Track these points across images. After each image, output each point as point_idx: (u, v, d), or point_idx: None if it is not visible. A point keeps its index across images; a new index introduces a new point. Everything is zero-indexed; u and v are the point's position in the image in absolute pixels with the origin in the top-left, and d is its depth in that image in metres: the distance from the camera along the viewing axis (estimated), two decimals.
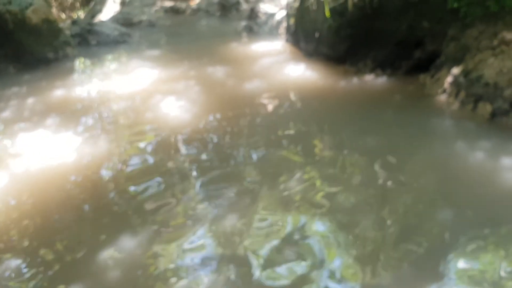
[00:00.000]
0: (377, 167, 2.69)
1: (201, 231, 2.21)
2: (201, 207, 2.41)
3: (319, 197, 2.42)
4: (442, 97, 3.58)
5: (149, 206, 2.46)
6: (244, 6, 6.94)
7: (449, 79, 3.60)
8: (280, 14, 5.88)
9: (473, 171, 2.61)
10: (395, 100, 3.67)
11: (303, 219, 2.26)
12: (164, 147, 3.11)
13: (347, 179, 2.62)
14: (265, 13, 6.31)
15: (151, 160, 2.96)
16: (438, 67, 3.83)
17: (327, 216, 2.26)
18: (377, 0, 3.95)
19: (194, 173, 2.76)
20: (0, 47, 4.70)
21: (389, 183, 2.54)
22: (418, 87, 3.83)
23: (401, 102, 3.64)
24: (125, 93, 4.13)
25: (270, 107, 3.68)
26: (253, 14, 6.42)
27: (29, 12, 4.74)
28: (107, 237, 2.23)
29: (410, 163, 2.76)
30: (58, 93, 4.23)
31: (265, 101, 3.78)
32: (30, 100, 4.07)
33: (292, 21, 4.99)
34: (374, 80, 4.02)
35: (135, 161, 2.97)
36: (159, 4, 7.53)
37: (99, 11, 7.88)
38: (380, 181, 2.55)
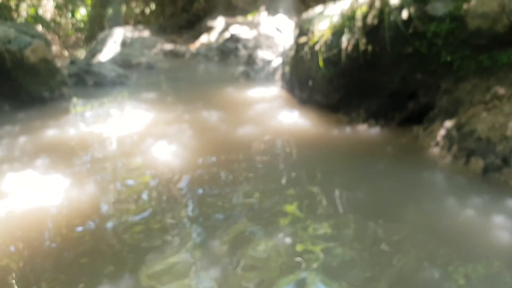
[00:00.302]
0: (366, 221, 2.64)
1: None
2: (183, 256, 2.35)
3: (306, 252, 2.37)
4: (435, 150, 3.56)
5: (133, 252, 2.40)
6: (243, 52, 7.04)
7: (442, 132, 3.59)
8: (277, 61, 5.96)
9: (463, 229, 2.56)
10: (387, 151, 3.65)
11: (291, 277, 2.20)
12: (152, 193, 3.06)
13: (335, 234, 2.56)
14: (262, 60, 6.40)
15: (136, 206, 2.91)
16: (431, 120, 3.83)
17: (314, 272, 2.20)
18: (370, 51, 3.99)
19: (181, 222, 2.71)
20: None
21: (377, 239, 2.48)
22: (411, 139, 3.82)
23: (393, 154, 3.62)
24: (118, 136, 4.12)
25: (262, 154, 3.66)
26: (250, 60, 6.51)
27: (27, 52, 4.78)
28: (87, 285, 2.16)
29: (400, 218, 2.71)
30: (51, 133, 4.22)
31: (257, 147, 3.77)
32: (22, 140, 4.05)
33: (287, 68, 5.05)
34: (367, 131, 4.01)
35: (120, 207, 2.91)
36: (159, 46, 7.65)
37: (100, 51, 8.00)
38: (369, 237, 2.49)
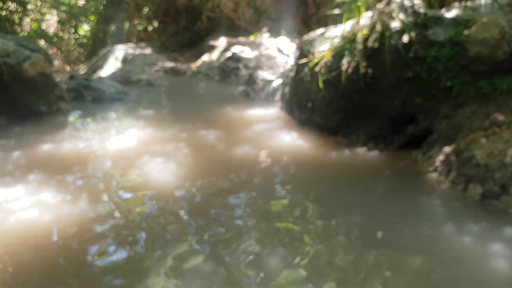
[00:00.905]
0: (362, 246, 2.59)
1: None
2: (174, 282, 2.29)
3: (293, 281, 2.31)
4: (433, 175, 3.52)
5: (123, 272, 2.35)
6: (243, 72, 7.04)
7: (440, 157, 3.55)
8: (277, 81, 5.94)
9: (460, 256, 2.51)
10: (386, 176, 3.61)
11: None
12: (144, 212, 3.01)
13: (329, 259, 2.50)
14: (263, 80, 6.39)
15: (128, 224, 2.85)
16: (430, 145, 3.79)
17: None
18: (370, 74, 3.97)
19: (171, 242, 2.65)
20: None
21: (375, 264, 2.42)
22: (409, 163, 3.78)
23: (392, 178, 3.58)
24: (113, 152, 4.08)
25: (258, 175, 3.61)
26: (251, 80, 6.50)
27: (26, 65, 4.77)
28: None
29: (396, 244, 2.65)
30: (46, 148, 4.18)
31: (254, 167, 3.73)
32: (16, 154, 4.01)
33: (287, 89, 5.03)
34: (366, 154, 3.97)
35: (110, 225, 2.85)
36: (160, 64, 7.65)
37: (100, 66, 8.01)
38: (365, 262, 2.44)
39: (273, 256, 2.47)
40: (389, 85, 3.97)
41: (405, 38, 3.87)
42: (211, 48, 8.39)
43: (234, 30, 8.84)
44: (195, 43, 8.99)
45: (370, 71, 3.97)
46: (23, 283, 2.30)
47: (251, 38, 8.41)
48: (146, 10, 9.81)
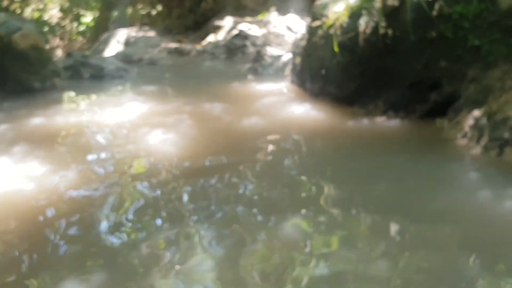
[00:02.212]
0: (390, 218, 2.21)
1: None
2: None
3: (316, 254, 1.95)
4: (462, 142, 3.15)
5: (107, 250, 2.01)
6: (251, 49, 6.67)
7: (470, 122, 3.19)
8: (287, 56, 5.56)
9: (501, 221, 2.14)
10: (410, 144, 3.25)
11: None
12: (139, 184, 2.66)
13: (355, 231, 2.14)
14: (271, 56, 6.03)
15: (116, 197, 2.50)
16: (457, 110, 3.42)
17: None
18: (390, 36, 3.60)
19: (173, 216, 2.31)
20: None
21: (405, 240, 2.06)
22: (435, 131, 3.41)
23: (417, 146, 3.22)
24: (109, 125, 3.74)
25: (268, 146, 3.25)
26: (259, 57, 6.13)
27: (16, 37, 4.43)
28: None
29: (428, 213, 2.28)
30: (35, 121, 3.85)
31: (264, 138, 3.36)
32: (2, 127, 3.68)
33: (298, 60, 4.65)
34: (386, 123, 3.60)
35: (99, 195, 2.51)
36: (163, 45, 7.32)
37: (102, 50, 7.69)
38: (394, 236, 2.08)
39: (288, 233, 2.12)
40: (411, 46, 3.59)
41: None
42: (217, 29, 8.03)
43: (241, 10, 8.48)
44: (200, 25, 8.63)
45: (389, 31, 3.60)
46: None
47: (259, 17, 8.05)
48: None
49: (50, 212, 2.33)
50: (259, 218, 2.23)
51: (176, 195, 2.49)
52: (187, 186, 2.59)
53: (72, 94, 4.89)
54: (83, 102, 4.60)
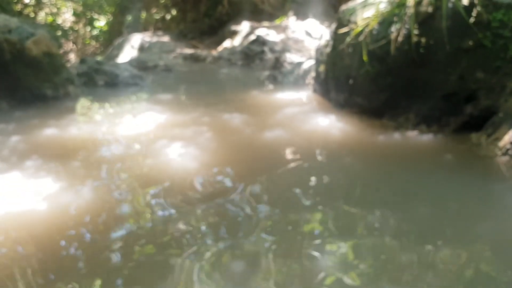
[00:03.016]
0: (427, 243, 2.00)
1: None
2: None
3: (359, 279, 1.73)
4: (503, 160, 2.92)
5: (121, 266, 1.82)
6: (269, 56, 6.46)
7: (510, 138, 2.96)
8: (308, 63, 5.34)
9: None
10: (446, 161, 3.02)
11: None
12: (158, 202, 2.46)
13: (388, 257, 1.92)
14: (291, 63, 5.80)
15: (135, 215, 2.31)
16: (496, 125, 3.19)
17: None
18: (423, 44, 3.38)
19: (191, 234, 2.10)
20: None
21: (443, 266, 1.85)
22: (471, 147, 3.18)
23: (453, 163, 2.99)
24: (125, 137, 3.55)
25: (293, 161, 3.04)
26: (278, 64, 5.91)
27: (29, 43, 4.26)
28: None
29: (471, 241, 2.06)
30: (48, 132, 3.67)
31: (287, 153, 3.16)
32: (14, 138, 3.51)
33: (322, 68, 4.44)
34: (418, 137, 3.38)
35: (116, 216, 2.32)
36: (178, 51, 7.12)
37: (116, 56, 7.52)
38: (431, 263, 1.86)
39: (317, 259, 1.91)
40: (445, 56, 3.37)
41: (465, 0, 3.27)
42: (233, 34, 7.83)
43: (258, 14, 8.27)
44: (216, 30, 8.44)
45: (423, 40, 3.39)
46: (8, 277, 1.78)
47: (277, 22, 7.84)
48: None
49: (64, 236, 2.14)
50: (283, 246, 2.02)
51: (197, 216, 2.28)
52: (208, 206, 2.39)
53: (86, 103, 4.71)
54: (98, 112, 4.42)
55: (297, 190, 2.58)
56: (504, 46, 3.23)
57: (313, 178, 2.80)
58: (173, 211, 2.34)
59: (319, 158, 3.16)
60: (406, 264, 1.90)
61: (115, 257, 1.96)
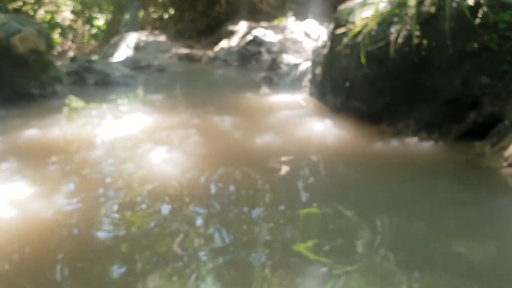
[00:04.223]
0: (430, 265, 1.81)
1: None
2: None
3: None
4: (509, 171, 2.73)
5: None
6: (266, 57, 6.27)
7: None
8: (305, 64, 5.15)
9: None
10: (447, 171, 2.83)
11: None
12: (133, 212, 2.28)
13: (384, 279, 1.73)
14: (288, 64, 5.61)
15: (110, 228, 2.13)
16: (502, 133, 3.00)
17: None
18: (425, 46, 3.19)
19: (160, 253, 1.91)
20: None
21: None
22: (474, 156, 2.99)
23: (455, 175, 2.80)
24: (108, 140, 3.37)
25: (283, 169, 2.86)
26: (274, 65, 5.73)
27: (15, 40, 4.08)
28: None
29: (479, 263, 1.86)
30: (29, 133, 3.49)
31: (278, 159, 2.97)
32: None
33: (318, 70, 4.25)
34: (418, 145, 3.19)
35: (89, 227, 2.13)
36: (174, 50, 6.95)
37: (111, 54, 7.36)
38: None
39: (307, 277, 1.73)
40: (448, 59, 3.18)
41: (471, 0, 3.09)
42: (230, 34, 7.65)
43: (256, 14, 8.08)
44: (213, 29, 8.25)
45: (424, 41, 3.20)
46: None
47: (275, 22, 7.65)
48: None
49: (28, 245, 1.96)
50: (270, 263, 1.83)
51: (171, 229, 2.09)
52: (186, 218, 2.21)
53: (73, 102, 4.53)
54: (84, 112, 4.24)
55: (283, 203, 2.38)
56: (511, 49, 3.04)
57: (304, 188, 2.61)
58: (154, 220, 2.15)
59: (311, 166, 2.97)
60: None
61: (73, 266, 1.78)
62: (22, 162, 2.94)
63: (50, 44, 4.93)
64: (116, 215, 2.26)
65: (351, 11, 3.65)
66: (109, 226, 2.16)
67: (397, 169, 2.85)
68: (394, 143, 3.21)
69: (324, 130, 3.54)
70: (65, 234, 2.08)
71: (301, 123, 3.70)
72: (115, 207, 2.33)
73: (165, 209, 2.29)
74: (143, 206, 2.33)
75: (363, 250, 1.93)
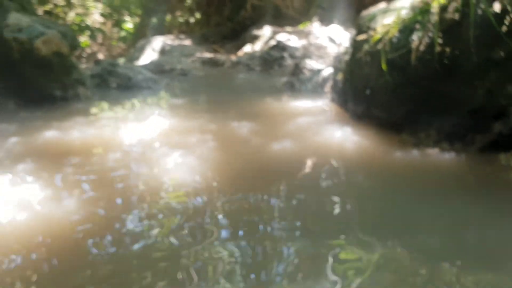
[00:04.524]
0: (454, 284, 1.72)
1: None
2: None
3: None
4: None
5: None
6: (289, 62, 6.23)
7: None
8: (328, 70, 5.09)
9: None
10: (470, 184, 2.72)
11: None
12: (148, 217, 2.26)
13: None
14: (311, 70, 5.56)
15: (121, 232, 2.11)
16: None
17: None
18: (448, 54, 3.10)
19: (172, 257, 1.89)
20: (1, 79, 4.08)
21: None
22: (499, 169, 2.88)
23: (479, 188, 2.68)
24: (126, 143, 3.39)
25: (300, 177, 2.80)
26: (297, 70, 5.67)
27: (38, 42, 4.14)
28: None
29: (501, 280, 1.77)
30: (48, 135, 3.53)
31: (295, 167, 2.92)
32: (12, 140, 3.38)
33: (340, 76, 4.19)
34: (440, 156, 3.09)
35: (102, 231, 2.12)
36: (198, 55, 6.97)
37: (137, 58, 7.42)
38: None
39: None
40: (472, 68, 3.08)
41: (497, 6, 2.98)
42: (255, 38, 7.63)
43: (281, 19, 8.05)
44: (238, 34, 8.25)
45: (447, 49, 3.11)
46: None
47: (300, 27, 7.60)
48: (188, 1, 9.18)
49: (34, 249, 1.96)
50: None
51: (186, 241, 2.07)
52: (192, 229, 2.18)
53: (94, 105, 4.58)
54: (104, 115, 4.27)
55: (301, 210, 2.34)
56: None
57: (320, 195, 2.55)
58: (161, 224, 2.13)
59: (330, 174, 2.90)
60: None
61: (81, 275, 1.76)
62: (39, 163, 2.97)
63: (75, 47, 4.99)
64: (132, 222, 2.24)
65: (372, 18, 3.58)
66: (116, 231, 2.15)
67: (415, 181, 2.76)
68: (415, 153, 3.12)
69: (343, 137, 3.48)
70: (70, 238, 2.07)
71: (321, 130, 3.64)
72: (131, 213, 2.32)
73: (171, 214, 2.26)
74: (160, 216, 2.30)
75: (381, 256, 1.86)
